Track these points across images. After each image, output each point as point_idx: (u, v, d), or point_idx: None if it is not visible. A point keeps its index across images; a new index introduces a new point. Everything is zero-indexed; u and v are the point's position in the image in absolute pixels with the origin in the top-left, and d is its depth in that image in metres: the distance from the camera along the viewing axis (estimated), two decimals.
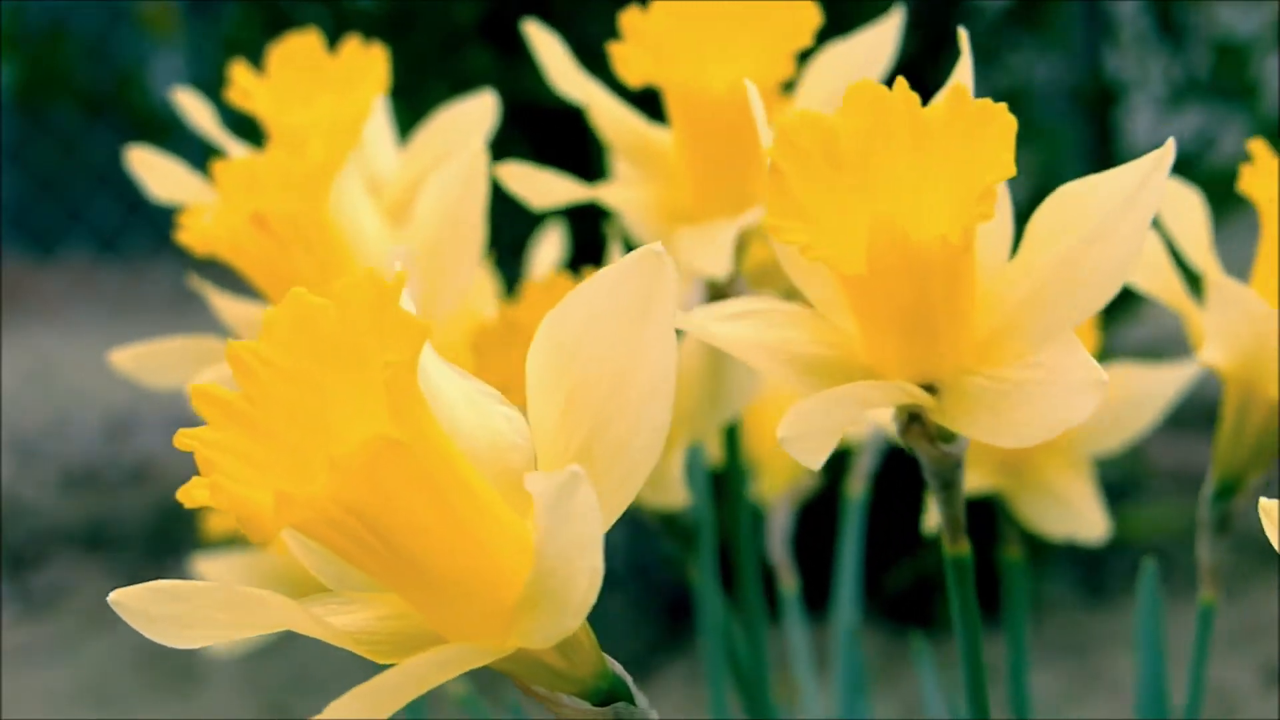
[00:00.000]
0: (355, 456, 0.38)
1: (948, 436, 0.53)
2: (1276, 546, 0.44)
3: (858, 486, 1.01)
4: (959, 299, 0.50)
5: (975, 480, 0.83)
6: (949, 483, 0.55)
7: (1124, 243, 0.49)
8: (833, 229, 0.49)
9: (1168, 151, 0.49)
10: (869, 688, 0.97)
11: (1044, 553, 2.01)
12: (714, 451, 0.89)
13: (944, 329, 0.50)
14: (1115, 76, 2.52)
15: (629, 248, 0.88)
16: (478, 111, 0.76)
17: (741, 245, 0.72)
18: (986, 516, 0.88)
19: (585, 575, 0.38)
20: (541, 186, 0.72)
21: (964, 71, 0.53)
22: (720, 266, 0.67)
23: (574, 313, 0.43)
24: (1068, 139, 2.34)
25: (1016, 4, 2.18)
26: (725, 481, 0.80)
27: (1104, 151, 2.35)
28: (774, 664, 0.85)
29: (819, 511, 1.28)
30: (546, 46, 0.74)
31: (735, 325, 0.52)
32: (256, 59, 0.76)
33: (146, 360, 0.72)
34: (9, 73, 3.58)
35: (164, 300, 4.21)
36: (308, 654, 2.15)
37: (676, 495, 0.79)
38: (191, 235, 0.67)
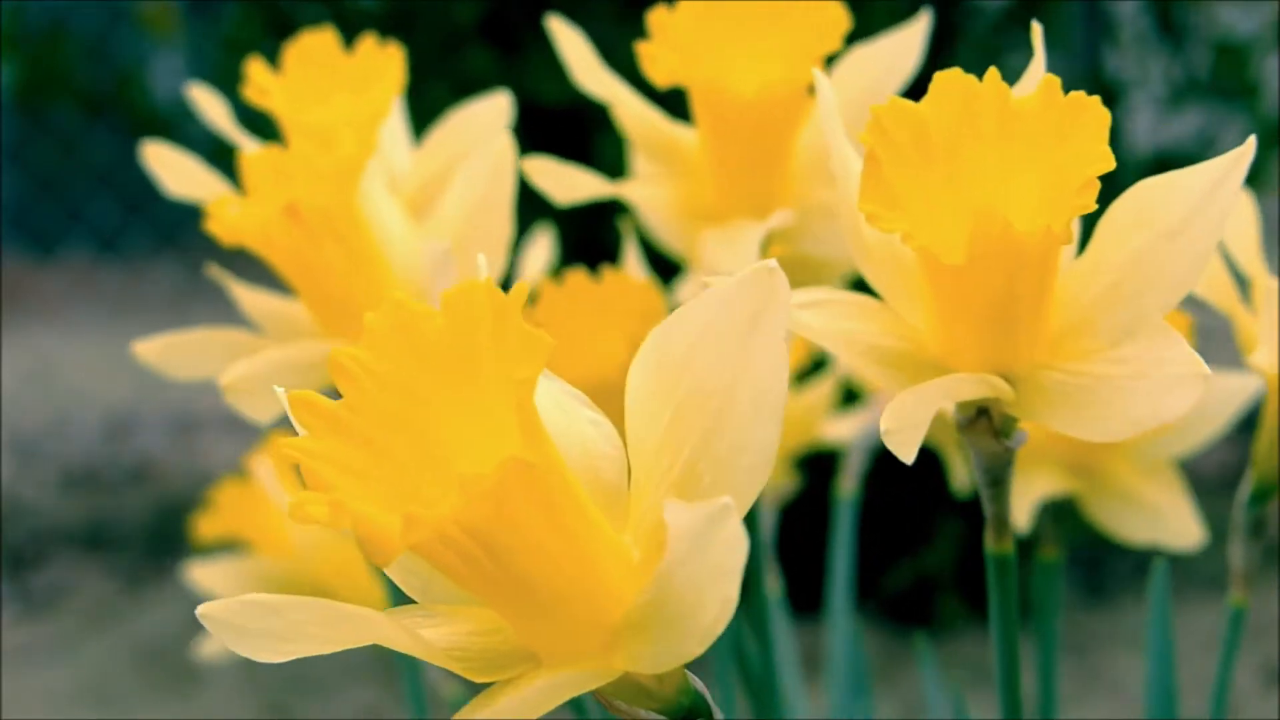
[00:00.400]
0: (488, 479, 0.38)
1: (1007, 432, 0.54)
2: None
3: (849, 486, 1.01)
4: (1044, 292, 0.50)
5: (1048, 483, 0.82)
6: (999, 479, 0.55)
7: (1201, 239, 0.49)
8: (928, 217, 0.49)
9: (1248, 149, 0.50)
10: (869, 688, 0.97)
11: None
12: None
13: (1024, 322, 0.51)
14: (1115, 76, 2.52)
15: (644, 246, 0.88)
16: (492, 112, 0.76)
17: (761, 245, 0.72)
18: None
19: (716, 603, 0.37)
20: (566, 181, 0.72)
21: (1040, 64, 0.53)
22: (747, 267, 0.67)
23: (683, 328, 0.43)
24: None
25: (1016, 4, 2.18)
26: None
27: None
28: None
29: (811, 512, 1.28)
30: (570, 42, 0.74)
31: (806, 314, 0.52)
32: (256, 59, 0.76)
33: (170, 352, 0.72)
34: (9, 73, 3.57)
35: (164, 300, 4.21)
36: None
37: None
38: (220, 226, 0.67)
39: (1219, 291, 0.66)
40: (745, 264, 0.66)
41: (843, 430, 1.04)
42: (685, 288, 0.86)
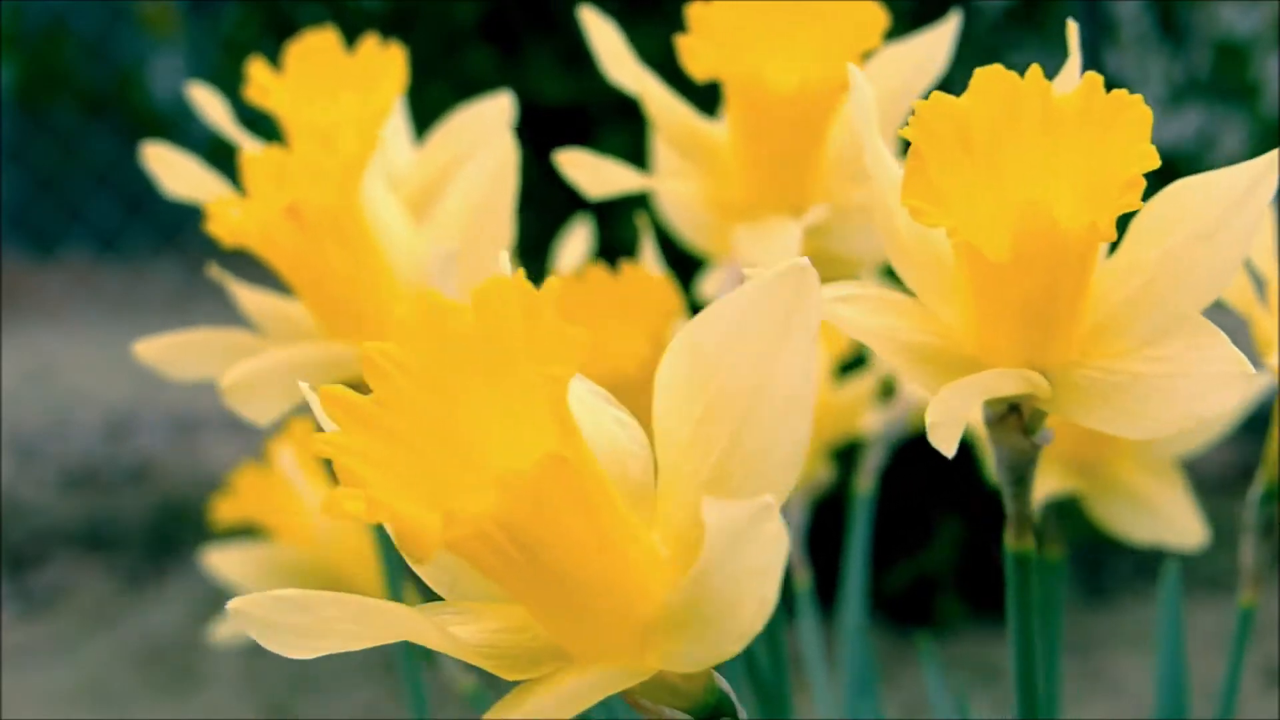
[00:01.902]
0: (527, 475, 0.38)
1: (1034, 429, 0.54)
2: None
3: (866, 483, 1.01)
4: (1082, 290, 0.50)
5: (1052, 483, 0.82)
6: (1022, 477, 0.55)
7: (1236, 240, 0.49)
8: (973, 213, 0.49)
9: None
10: (871, 689, 0.97)
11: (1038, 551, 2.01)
12: None
13: (1061, 320, 0.51)
14: (1115, 76, 2.52)
15: (661, 243, 0.88)
16: (494, 112, 0.76)
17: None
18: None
19: (754, 601, 0.37)
20: (599, 174, 0.72)
21: (1075, 63, 0.53)
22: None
23: (714, 325, 0.43)
24: None
25: (1017, 3, 2.18)
26: None
27: None
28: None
29: (826, 507, 1.28)
30: (602, 34, 0.74)
31: (843, 308, 0.52)
32: (258, 59, 0.76)
33: (171, 352, 0.71)
34: (9, 73, 3.58)
35: (164, 300, 4.21)
36: None
37: None
38: (221, 226, 0.66)
39: (1236, 292, 0.66)
40: (783, 260, 0.67)
41: (868, 423, 1.03)
42: (709, 282, 0.86)
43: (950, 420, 0.49)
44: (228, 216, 0.66)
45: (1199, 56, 2.57)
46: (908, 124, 0.50)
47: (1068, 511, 0.88)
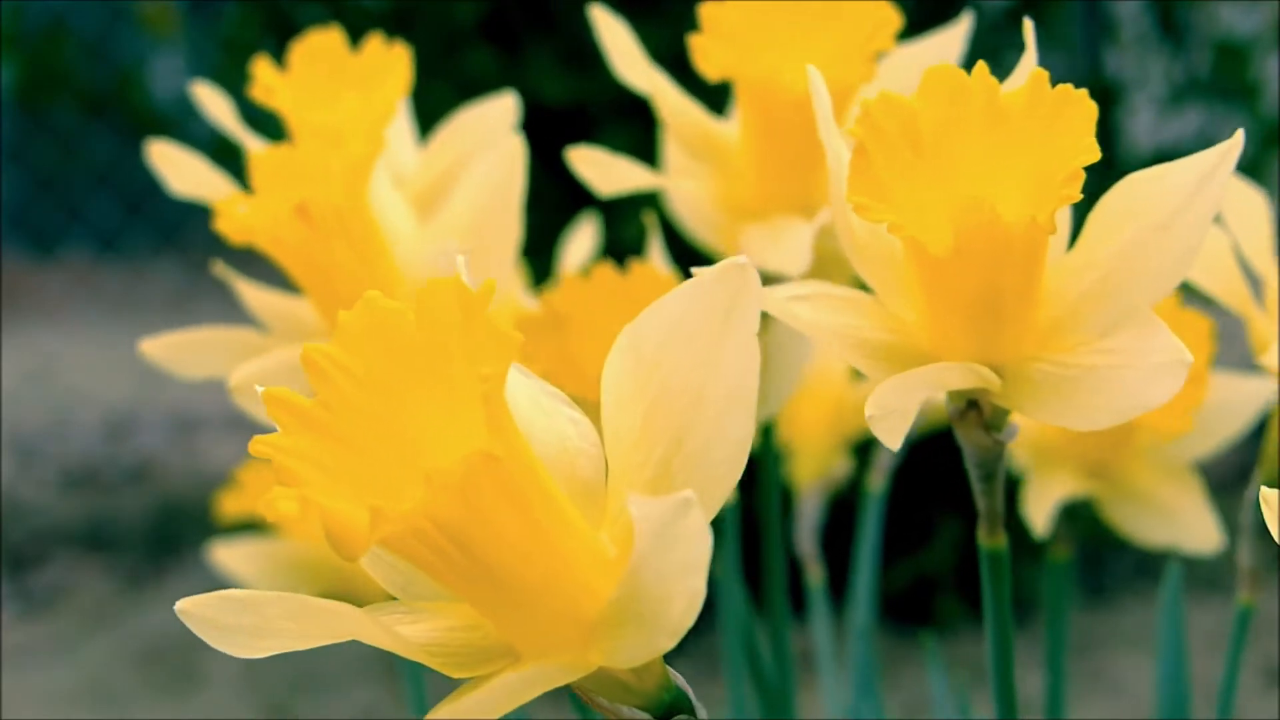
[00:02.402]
0: (453, 473, 0.38)
1: (998, 425, 0.54)
2: (1275, 536, 0.45)
3: (878, 480, 1.01)
4: (1031, 284, 0.51)
5: (1065, 486, 0.81)
6: (991, 474, 0.55)
7: (1190, 231, 0.50)
8: (917, 209, 0.50)
9: (1235, 143, 0.50)
10: (873, 688, 0.97)
11: (1041, 552, 2.01)
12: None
13: (1011, 314, 0.51)
14: (1115, 76, 2.52)
15: (669, 243, 0.88)
16: (498, 112, 0.76)
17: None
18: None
19: (684, 597, 0.37)
20: (611, 172, 0.72)
21: (1030, 59, 0.53)
22: (800, 264, 0.67)
23: (655, 324, 0.43)
24: None
25: (1017, 3, 2.18)
26: (759, 475, 0.79)
27: (1104, 151, 2.35)
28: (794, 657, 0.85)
29: (836, 505, 1.28)
30: (613, 33, 0.73)
31: (799, 306, 0.52)
32: (262, 58, 0.76)
33: (176, 350, 0.71)
34: (9, 73, 3.58)
35: (164, 300, 4.21)
36: (309, 654, 2.16)
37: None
38: (229, 224, 0.66)
39: (1232, 292, 0.66)
40: (798, 260, 0.67)
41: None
42: None
43: (890, 414, 0.49)
44: (235, 214, 0.66)
45: (1199, 56, 2.57)
46: (855, 121, 0.50)
47: (1071, 512, 0.88)
